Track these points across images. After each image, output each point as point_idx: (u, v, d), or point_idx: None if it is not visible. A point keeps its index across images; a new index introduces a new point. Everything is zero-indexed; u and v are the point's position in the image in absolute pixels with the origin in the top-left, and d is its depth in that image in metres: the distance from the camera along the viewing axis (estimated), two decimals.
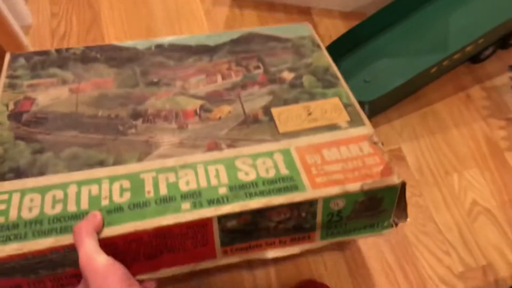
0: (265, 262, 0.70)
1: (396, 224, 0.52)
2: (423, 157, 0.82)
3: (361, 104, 0.81)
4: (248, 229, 0.47)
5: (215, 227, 0.45)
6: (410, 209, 0.73)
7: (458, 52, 0.84)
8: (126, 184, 0.47)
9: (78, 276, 0.44)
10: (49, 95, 0.57)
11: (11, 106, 0.55)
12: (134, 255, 0.45)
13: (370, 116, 0.82)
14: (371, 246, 0.73)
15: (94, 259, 0.39)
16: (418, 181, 0.80)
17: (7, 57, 0.61)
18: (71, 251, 0.42)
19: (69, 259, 0.43)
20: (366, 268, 0.70)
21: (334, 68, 0.61)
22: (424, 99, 0.90)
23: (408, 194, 0.68)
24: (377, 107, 0.84)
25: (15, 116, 0.54)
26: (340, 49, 0.89)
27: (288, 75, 0.60)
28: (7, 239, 0.42)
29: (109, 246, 0.42)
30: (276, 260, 0.68)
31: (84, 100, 0.56)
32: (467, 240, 0.74)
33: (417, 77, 0.82)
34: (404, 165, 0.82)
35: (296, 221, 0.47)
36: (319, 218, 0.48)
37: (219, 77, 0.61)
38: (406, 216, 0.51)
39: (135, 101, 0.56)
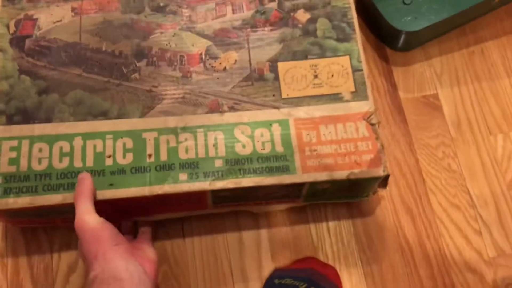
0: (257, 229, 0.59)
1: (374, 193, 0.56)
2: (463, 108, 0.67)
3: (396, 32, 0.66)
4: (239, 196, 0.51)
5: (209, 194, 0.50)
6: (441, 173, 0.63)
7: None
8: (129, 143, 0.49)
9: None
10: (51, 16, 0.54)
11: (12, 28, 0.53)
12: (132, 209, 0.50)
13: (405, 49, 0.69)
14: (388, 213, 0.61)
15: (85, 221, 0.43)
16: (454, 139, 0.65)
17: None
18: None
19: None
20: (378, 240, 0.60)
21: (353, 13, 0.57)
22: (472, 35, 0.71)
23: (439, 154, 0.64)
24: (415, 40, 0.69)
25: (17, 41, 0.53)
26: None
27: (303, 16, 0.57)
28: (19, 192, 0.47)
29: (110, 203, 0.47)
30: (270, 227, 0.59)
31: (88, 26, 0.54)
32: (504, 219, 0.61)
33: (474, 8, 0.65)
34: (439, 117, 0.66)
35: (283, 193, 0.52)
36: (304, 192, 0.52)
37: (229, 9, 0.57)
38: (386, 185, 0.55)
39: (140, 34, 0.55)
